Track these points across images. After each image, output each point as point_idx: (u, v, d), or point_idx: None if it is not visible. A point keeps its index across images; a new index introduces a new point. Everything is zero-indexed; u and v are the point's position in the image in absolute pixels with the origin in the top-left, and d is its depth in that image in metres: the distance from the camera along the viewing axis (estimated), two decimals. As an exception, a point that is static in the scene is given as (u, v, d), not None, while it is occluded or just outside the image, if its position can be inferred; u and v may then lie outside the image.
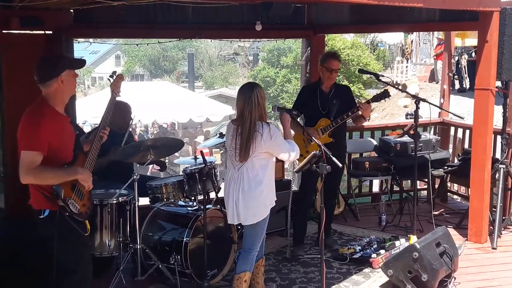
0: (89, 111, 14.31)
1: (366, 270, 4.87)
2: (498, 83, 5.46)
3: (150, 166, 5.60)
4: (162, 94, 17.39)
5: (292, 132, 4.71)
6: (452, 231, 5.32)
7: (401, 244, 5.15)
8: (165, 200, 5.03)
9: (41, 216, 3.18)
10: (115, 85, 3.51)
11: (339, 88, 5.31)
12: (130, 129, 4.95)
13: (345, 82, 21.25)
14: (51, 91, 3.22)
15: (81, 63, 3.46)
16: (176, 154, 15.72)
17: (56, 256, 3.15)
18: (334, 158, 3.68)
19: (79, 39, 6.39)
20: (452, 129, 7.21)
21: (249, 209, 3.92)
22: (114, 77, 3.58)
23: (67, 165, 3.24)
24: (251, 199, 3.90)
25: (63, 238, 3.16)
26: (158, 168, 5.64)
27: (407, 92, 6.28)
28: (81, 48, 32.98)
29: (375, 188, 7.49)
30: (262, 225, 4.02)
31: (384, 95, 5.14)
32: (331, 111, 5.07)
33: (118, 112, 5.32)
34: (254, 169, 3.90)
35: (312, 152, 3.65)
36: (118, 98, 3.58)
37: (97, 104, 13.72)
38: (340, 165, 3.71)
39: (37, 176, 3.09)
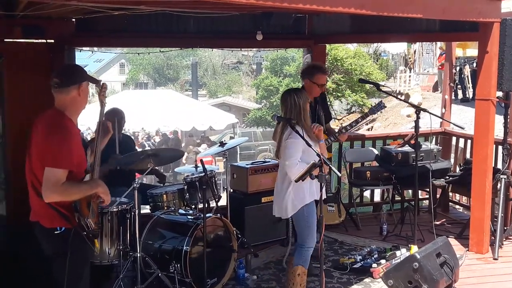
0: (93, 118, 14.31)
1: (367, 280, 4.86)
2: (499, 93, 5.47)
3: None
4: (166, 102, 17.44)
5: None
6: (453, 241, 5.31)
7: (402, 254, 5.13)
8: (165, 208, 5.05)
9: (57, 232, 3.06)
10: (103, 95, 3.37)
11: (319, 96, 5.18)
12: (128, 134, 4.96)
13: (348, 92, 21.24)
14: (67, 99, 3.12)
15: (96, 80, 3.38)
16: (183, 160, 15.70)
17: (67, 273, 3.05)
18: (333, 168, 3.72)
19: (82, 48, 6.45)
20: (454, 139, 7.20)
21: (277, 204, 4.22)
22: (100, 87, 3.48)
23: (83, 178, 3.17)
24: (278, 195, 4.18)
25: (72, 255, 3.07)
26: (158, 180, 5.66)
27: (408, 102, 6.30)
28: (86, 56, 33.14)
29: (377, 197, 7.48)
30: (300, 221, 4.16)
31: (379, 106, 5.15)
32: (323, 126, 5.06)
33: (109, 119, 5.33)
34: (283, 170, 4.10)
35: (311, 162, 3.65)
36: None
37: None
38: (339, 174, 3.75)
39: (63, 193, 2.99)
